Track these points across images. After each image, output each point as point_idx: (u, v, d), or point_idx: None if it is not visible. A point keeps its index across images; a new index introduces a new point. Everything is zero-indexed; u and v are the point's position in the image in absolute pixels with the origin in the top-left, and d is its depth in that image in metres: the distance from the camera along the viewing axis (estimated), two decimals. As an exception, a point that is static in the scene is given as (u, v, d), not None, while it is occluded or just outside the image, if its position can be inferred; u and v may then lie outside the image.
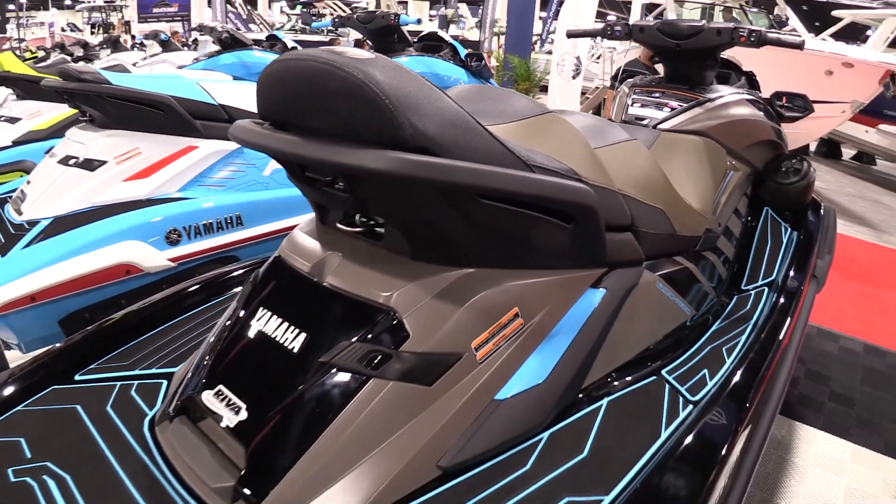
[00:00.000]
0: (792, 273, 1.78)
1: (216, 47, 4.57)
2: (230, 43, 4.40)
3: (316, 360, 0.88)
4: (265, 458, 0.85)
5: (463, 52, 3.34)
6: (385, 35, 3.04)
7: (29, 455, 0.98)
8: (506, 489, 0.86)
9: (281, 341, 0.92)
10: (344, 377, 0.86)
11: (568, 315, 1.04)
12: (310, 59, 0.84)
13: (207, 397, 0.94)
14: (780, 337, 1.44)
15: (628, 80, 2.15)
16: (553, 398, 1.00)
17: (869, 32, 10.27)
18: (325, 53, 0.84)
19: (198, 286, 1.44)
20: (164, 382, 1.16)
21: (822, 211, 2.14)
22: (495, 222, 0.93)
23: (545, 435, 0.97)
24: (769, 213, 2.08)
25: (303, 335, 0.90)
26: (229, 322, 1.04)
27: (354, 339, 0.87)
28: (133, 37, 9.74)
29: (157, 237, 1.98)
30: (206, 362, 1.01)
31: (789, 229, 2.02)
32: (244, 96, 2.39)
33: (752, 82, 2.35)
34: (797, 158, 2.15)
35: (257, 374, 0.93)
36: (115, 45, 6.82)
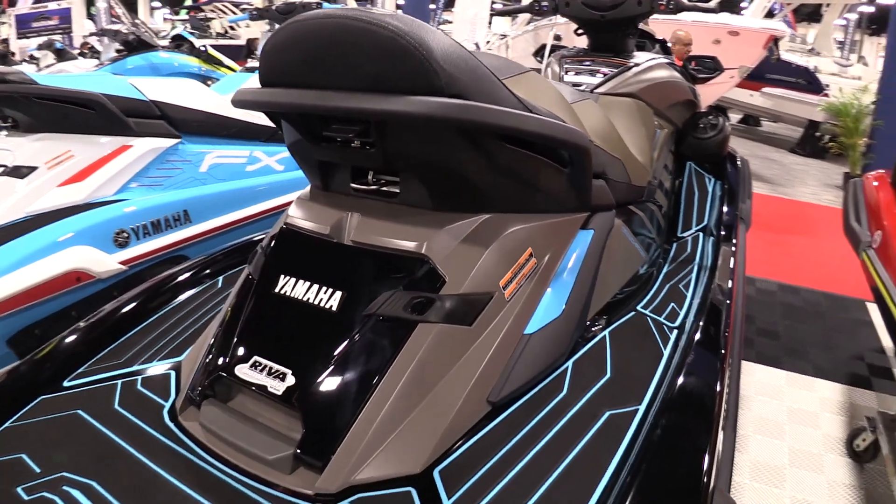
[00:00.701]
0: (723, 217, 1.94)
1: (113, 53, 4.40)
2: (136, 45, 4.25)
3: (359, 314, 0.89)
4: (323, 419, 0.85)
5: None
6: None
7: (38, 470, 0.90)
8: (553, 413, 0.92)
9: (316, 303, 0.92)
10: (391, 326, 0.88)
11: (568, 254, 1.11)
12: (336, 16, 0.86)
13: (242, 371, 0.92)
14: (731, 266, 1.57)
15: (555, 53, 2.26)
16: (571, 329, 1.07)
17: (744, 4, 10.96)
18: (349, 11, 0.86)
19: (175, 276, 1.41)
20: (173, 373, 1.11)
21: (738, 161, 2.32)
22: (511, 165, 0.99)
23: (569, 363, 1.03)
24: (692, 166, 2.23)
25: (339, 293, 0.92)
26: (245, 296, 1.02)
27: (394, 290, 0.90)
28: (12, 53, 9.14)
29: (104, 240, 1.91)
30: (227, 340, 0.99)
31: (712, 179, 2.18)
32: (176, 91, 2.32)
33: (665, 49, 2.51)
34: (713, 115, 2.32)
35: (298, 338, 0.93)
36: (2, 59, 6.42)
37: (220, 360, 0.97)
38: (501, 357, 0.93)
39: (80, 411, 1.02)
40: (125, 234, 1.96)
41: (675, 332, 1.19)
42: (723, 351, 1.10)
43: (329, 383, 0.86)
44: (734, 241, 1.83)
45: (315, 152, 1.04)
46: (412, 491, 0.80)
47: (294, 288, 0.96)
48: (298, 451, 0.84)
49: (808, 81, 8.99)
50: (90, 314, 1.93)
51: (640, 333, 1.16)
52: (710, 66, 2.49)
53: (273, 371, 0.89)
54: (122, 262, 1.93)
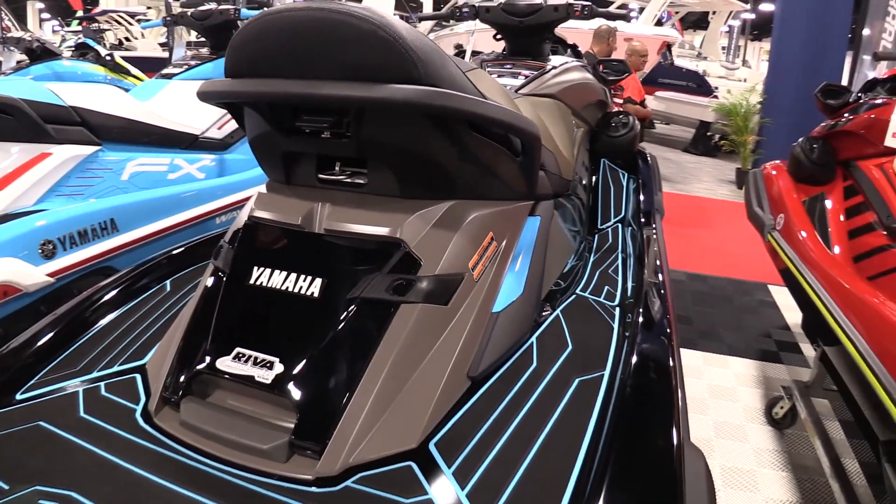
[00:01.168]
0: (640, 207, 2.07)
1: (14, 63, 4.16)
2: (39, 54, 4.02)
3: (341, 299, 0.91)
4: (316, 404, 0.86)
5: None
6: (223, 31, 2.95)
7: (6, 487, 0.84)
8: (529, 383, 0.97)
9: (296, 291, 0.93)
10: (375, 308, 0.91)
11: (521, 239, 1.17)
12: (315, 9, 0.89)
13: (225, 364, 0.90)
14: (656, 249, 1.68)
15: (475, 57, 2.35)
16: (531, 308, 1.13)
17: (633, 14, 11.53)
18: (328, 4, 0.89)
19: (119, 282, 1.36)
20: (138, 376, 1.06)
21: (648, 157, 2.47)
22: (475, 152, 1.04)
23: (533, 338, 1.09)
24: (605, 163, 2.36)
25: (318, 280, 0.93)
26: (216, 291, 1.01)
27: (374, 273, 0.92)
28: None
29: (30, 252, 1.81)
30: (201, 336, 0.97)
31: (626, 175, 2.31)
32: (95, 97, 2.23)
33: (576, 53, 2.64)
34: (623, 115, 2.46)
35: (281, 326, 0.93)
36: None
37: (197, 357, 0.95)
38: (476, 334, 0.98)
39: (42, 423, 0.97)
40: (51, 245, 1.87)
41: (618, 309, 1.28)
42: (667, 319, 1.19)
43: (319, 368, 0.88)
44: (654, 227, 1.95)
45: (284, 143, 1.04)
46: (412, 465, 0.82)
47: (271, 278, 0.96)
48: (293, 437, 0.84)
49: (699, 84, 9.55)
50: (19, 330, 1.84)
51: (588, 312, 1.23)
52: (619, 69, 2.67)
53: (259, 361, 0.89)
54: (50, 274, 1.84)
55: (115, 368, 1.09)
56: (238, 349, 0.91)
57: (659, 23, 11.55)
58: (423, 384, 0.89)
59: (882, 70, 5.76)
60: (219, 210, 2.46)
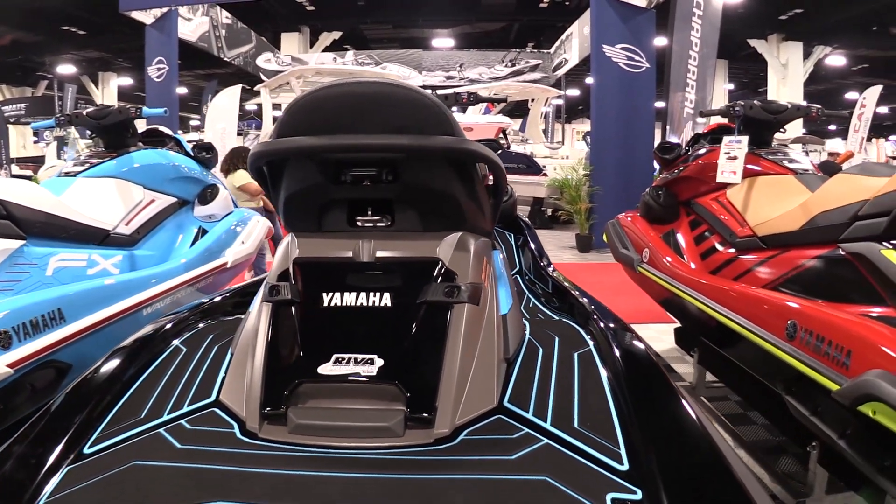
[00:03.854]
0: (531, 260, 2.45)
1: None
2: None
3: (411, 304, 1.14)
4: (418, 383, 1.04)
5: (187, 145, 3.43)
6: (120, 130, 2.97)
7: None
8: (546, 359, 1.24)
9: (369, 304, 1.14)
10: (438, 308, 1.13)
11: (496, 265, 1.47)
12: (365, 83, 1.20)
13: (327, 369, 1.05)
14: (563, 283, 2.02)
15: None
16: (519, 314, 1.42)
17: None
18: (372, 79, 1.22)
19: (144, 338, 1.39)
20: (217, 409, 1.11)
21: (525, 220, 2.87)
22: (476, 190, 1.34)
23: (527, 334, 1.37)
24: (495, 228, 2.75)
25: (386, 294, 1.15)
26: (287, 317, 1.15)
27: (428, 284, 1.16)
28: None
29: None
30: (288, 355, 1.11)
31: (511, 234, 2.69)
32: (17, 190, 2.23)
33: None
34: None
35: (369, 330, 1.12)
36: None
37: (291, 372, 1.08)
38: (500, 328, 1.24)
39: (137, 462, 0.98)
40: (7, 335, 1.87)
41: (568, 309, 1.61)
42: (594, 308, 1.52)
43: (411, 357, 1.09)
44: (549, 270, 2.33)
45: (332, 192, 1.27)
46: (501, 416, 1.05)
47: (343, 298, 1.16)
48: (408, 411, 1.02)
49: (528, 165, 10.51)
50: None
51: (549, 318, 1.55)
52: (494, 147, 3.09)
53: (360, 360, 1.07)
54: (9, 366, 1.84)
55: (186, 409, 1.12)
56: (336, 355, 1.08)
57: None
58: (484, 362, 1.13)
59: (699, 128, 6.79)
60: (154, 297, 2.51)
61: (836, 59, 19.27)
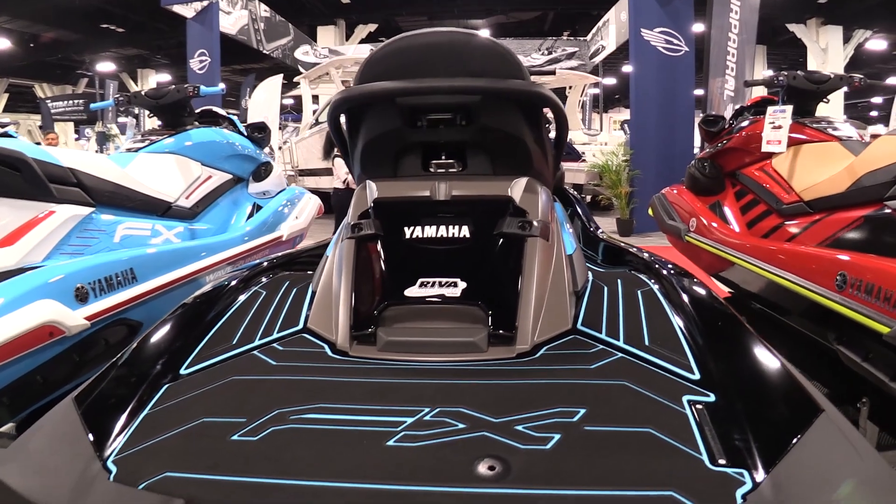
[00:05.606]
0: (581, 227, 2.49)
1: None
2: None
3: (488, 235, 1.22)
4: (499, 305, 1.12)
5: (240, 125, 3.56)
6: (177, 110, 3.04)
7: (244, 419, 0.93)
8: (611, 294, 1.30)
9: (449, 235, 1.21)
10: (514, 240, 1.21)
11: (558, 213, 1.54)
12: (442, 32, 1.30)
13: (413, 292, 1.14)
14: (617, 244, 2.07)
15: None
16: (582, 257, 1.48)
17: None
18: (449, 28, 1.31)
19: (229, 282, 1.46)
20: (306, 334, 1.18)
21: (573, 193, 2.92)
22: (542, 138, 1.42)
23: (590, 277, 1.42)
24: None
25: (465, 227, 1.22)
26: (373, 250, 1.23)
27: (503, 219, 1.24)
28: None
29: (66, 296, 1.90)
30: (369, 284, 1.20)
31: (559, 206, 2.76)
32: (87, 160, 2.34)
33: None
34: None
35: (450, 258, 1.20)
36: None
37: (378, 297, 1.17)
38: (568, 263, 1.30)
39: (235, 377, 1.05)
40: (84, 290, 1.98)
41: (624, 264, 1.67)
42: (652, 257, 1.57)
43: (492, 281, 1.17)
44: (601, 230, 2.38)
45: (410, 136, 1.35)
46: (576, 336, 1.13)
47: (424, 230, 1.23)
48: (491, 328, 1.10)
49: (568, 151, 10.50)
50: (58, 377, 1.89)
51: (609, 269, 1.61)
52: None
53: (444, 283, 1.15)
54: (87, 318, 1.94)
55: (275, 335, 1.20)
56: (421, 279, 1.16)
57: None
58: (556, 290, 1.20)
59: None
60: (216, 264, 2.62)
61: (877, 43, 18.80)
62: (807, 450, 0.82)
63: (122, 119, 20.11)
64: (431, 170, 1.38)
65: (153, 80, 23.76)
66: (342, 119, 1.45)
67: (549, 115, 1.57)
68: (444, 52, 1.29)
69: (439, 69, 1.27)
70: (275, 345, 1.16)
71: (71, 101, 22.50)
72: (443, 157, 1.37)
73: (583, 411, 0.91)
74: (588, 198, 10.30)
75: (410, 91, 1.28)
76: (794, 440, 0.83)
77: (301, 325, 1.22)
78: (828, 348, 1.94)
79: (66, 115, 22.21)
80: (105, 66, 22.30)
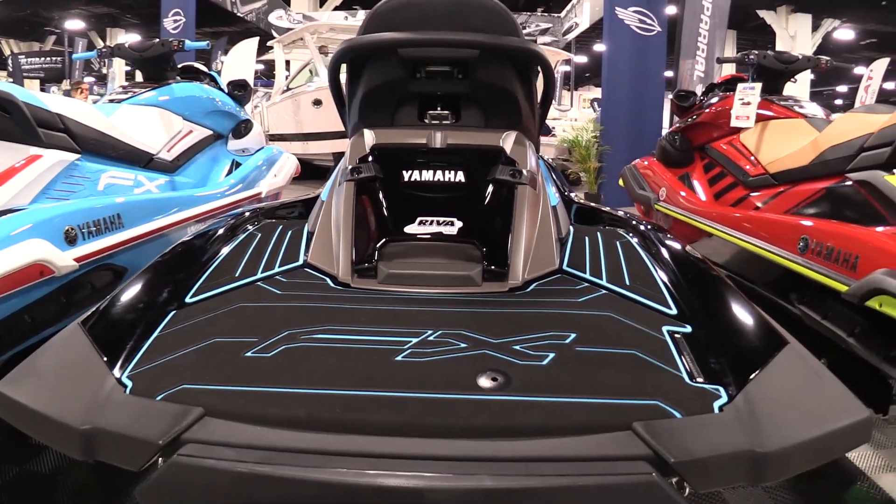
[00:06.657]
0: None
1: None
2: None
3: (481, 180, 1.30)
4: (493, 243, 1.21)
5: (222, 82, 3.57)
6: (160, 63, 3.03)
7: (255, 339, 0.97)
8: (593, 242, 1.37)
9: (445, 179, 1.29)
10: (505, 186, 1.30)
11: (541, 166, 1.62)
12: None
13: (412, 229, 1.22)
14: (590, 205, 2.16)
15: None
16: (566, 210, 1.57)
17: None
18: None
19: (216, 226, 1.47)
20: (307, 269, 1.23)
21: (545, 159, 3.01)
22: (530, 90, 1.49)
23: (571, 228, 1.50)
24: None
25: (460, 172, 1.30)
26: (373, 190, 1.29)
27: (495, 166, 1.31)
28: None
29: (55, 237, 1.91)
30: (372, 220, 1.26)
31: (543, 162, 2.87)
32: (73, 107, 2.34)
33: None
34: None
35: (447, 199, 1.27)
36: None
37: (377, 233, 1.24)
38: (553, 212, 1.39)
39: (242, 304, 1.09)
40: (74, 232, 1.99)
41: (600, 222, 1.76)
42: (642, 217, 1.67)
43: (486, 221, 1.26)
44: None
45: (409, 86, 1.42)
46: (563, 275, 1.22)
47: (422, 174, 1.31)
48: (485, 264, 1.19)
49: (538, 126, 10.60)
50: (47, 318, 1.92)
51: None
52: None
53: (441, 222, 1.23)
54: (76, 259, 1.96)
55: (278, 269, 1.25)
56: (420, 217, 1.24)
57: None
58: (543, 234, 1.29)
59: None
60: (199, 216, 2.65)
61: (845, 33, 19.18)
62: (775, 372, 0.93)
63: (87, 79, 19.57)
64: (427, 120, 1.45)
65: (122, 39, 23.14)
66: (343, 69, 1.50)
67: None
68: (446, 7, 1.36)
69: (441, 23, 1.34)
70: (278, 276, 1.22)
71: (46, 58, 21.89)
72: (438, 109, 1.45)
73: (573, 335, 1.00)
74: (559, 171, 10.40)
75: (416, 42, 1.35)
76: (764, 365, 0.94)
77: (301, 261, 1.27)
78: (791, 313, 2.07)
79: (36, 71, 21.62)
80: (74, 24, 21.61)
